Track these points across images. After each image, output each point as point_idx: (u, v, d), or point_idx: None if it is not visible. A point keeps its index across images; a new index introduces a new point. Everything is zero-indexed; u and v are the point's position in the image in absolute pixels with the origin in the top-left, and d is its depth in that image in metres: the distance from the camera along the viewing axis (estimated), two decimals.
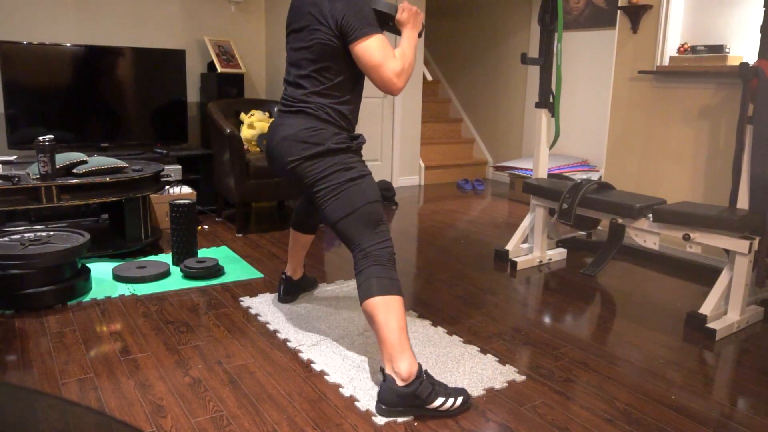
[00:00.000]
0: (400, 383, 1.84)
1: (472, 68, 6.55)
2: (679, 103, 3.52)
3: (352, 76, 2.09)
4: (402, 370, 1.84)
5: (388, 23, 2.10)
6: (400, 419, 1.84)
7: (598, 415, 1.91)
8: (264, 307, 2.69)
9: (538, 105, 3.45)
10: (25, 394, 0.72)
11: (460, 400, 1.88)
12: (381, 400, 1.86)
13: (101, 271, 3.10)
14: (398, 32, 2.13)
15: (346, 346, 2.33)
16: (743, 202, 2.76)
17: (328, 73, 2.04)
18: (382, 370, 1.91)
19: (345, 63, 2.04)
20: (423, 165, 5.98)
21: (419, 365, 1.88)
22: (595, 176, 4.87)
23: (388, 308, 1.88)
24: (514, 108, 6.11)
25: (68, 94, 4.01)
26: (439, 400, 1.85)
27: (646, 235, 2.85)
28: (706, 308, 2.59)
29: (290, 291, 2.75)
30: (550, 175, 3.75)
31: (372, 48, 1.95)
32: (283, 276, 2.75)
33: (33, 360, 2.16)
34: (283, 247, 3.63)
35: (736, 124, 2.89)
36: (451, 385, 2.06)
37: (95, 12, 4.26)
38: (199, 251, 3.41)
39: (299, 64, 2.08)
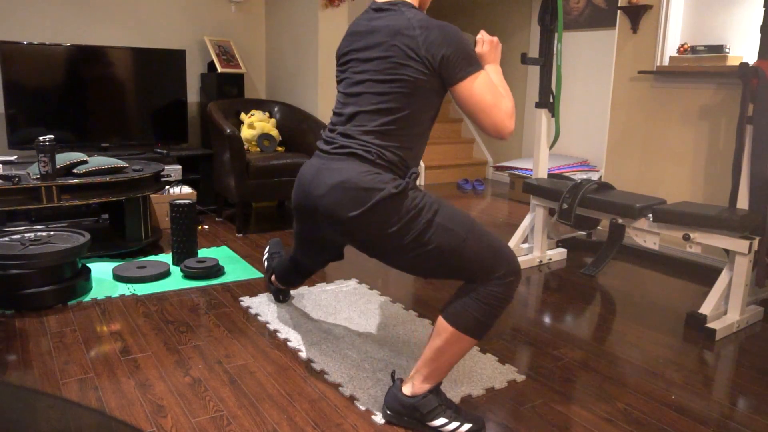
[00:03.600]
0: (406, 392, 1.80)
1: None
2: (679, 103, 3.52)
3: (430, 119, 1.82)
4: (416, 386, 1.79)
5: None
6: None
7: (598, 415, 1.91)
8: (264, 307, 2.69)
9: (538, 105, 3.45)
10: (25, 394, 0.72)
11: (466, 427, 1.76)
12: (386, 403, 1.84)
13: (101, 271, 3.10)
14: None
15: (345, 345, 2.33)
16: (743, 202, 2.76)
17: (403, 113, 1.74)
18: (393, 374, 1.89)
19: (427, 103, 1.77)
20: (423, 165, 5.98)
21: (437, 383, 1.81)
22: (595, 176, 4.87)
23: (458, 343, 1.73)
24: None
25: (68, 94, 4.01)
26: (441, 420, 1.76)
27: (646, 235, 2.85)
28: (706, 308, 2.59)
29: (283, 294, 2.75)
30: (550, 175, 3.75)
31: (482, 88, 1.71)
32: (270, 283, 2.72)
33: (33, 360, 2.16)
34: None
35: (736, 124, 2.89)
36: (451, 385, 2.05)
37: (95, 12, 4.26)
38: (199, 251, 3.41)
39: (362, 98, 1.78)
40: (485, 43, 1.87)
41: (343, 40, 1.90)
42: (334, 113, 1.87)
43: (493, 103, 1.71)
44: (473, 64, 1.72)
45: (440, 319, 1.75)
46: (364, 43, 1.80)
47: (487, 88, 1.72)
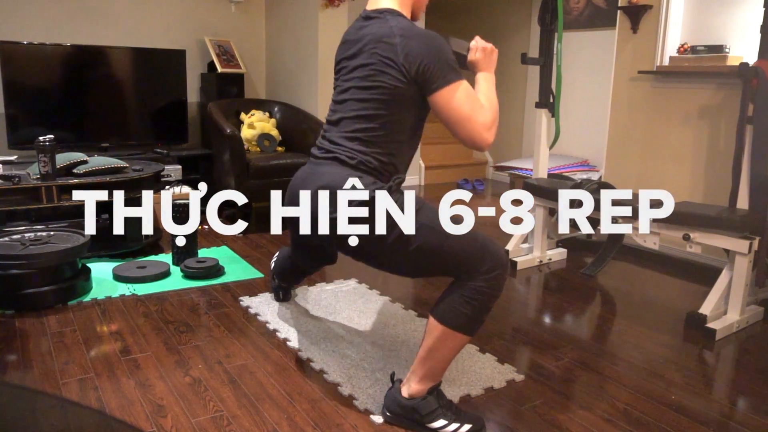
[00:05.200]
0: (404, 393, 1.80)
1: None
2: (679, 103, 3.52)
3: (411, 127, 1.82)
4: (413, 387, 1.79)
5: (459, 64, 1.83)
6: None
7: (598, 415, 1.91)
8: (264, 306, 2.69)
9: (538, 105, 3.46)
10: (25, 394, 0.72)
11: (466, 428, 1.76)
12: (386, 405, 1.84)
13: (101, 271, 3.10)
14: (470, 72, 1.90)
15: (345, 345, 2.33)
16: (743, 202, 2.76)
17: (381, 120, 1.75)
18: (392, 375, 1.89)
19: (408, 111, 1.78)
20: (423, 165, 5.98)
21: (435, 384, 1.80)
22: (595, 176, 4.87)
23: (450, 341, 1.74)
24: (514, 108, 6.11)
25: (68, 94, 4.01)
26: (440, 422, 1.76)
27: (646, 235, 2.85)
28: (706, 308, 2.59)
29: (283, 292, 2.74)
30: (550, 175, 3.75)
31: (459, 99, 1.69)
32: (274, 281, 2.73)
33: (33, 360, 2.16)
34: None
35: (736, 124, 2.89)
36: (450, 385, 2.05)
37: (95, 12, 4.26)
38: (199, 251, 3.41)
39: (346, 105, 1.80)
40: (479, 50, 1.85)
41: (338, 48, 1.93)
42: (326, 120, 1.90)
43: (468, 115, 1.70)
44: (451, 74, 1.70)
45: (431, 318, 1.76)
46: (352, 51, 1.81)
47: (465, 99, 1.70)
